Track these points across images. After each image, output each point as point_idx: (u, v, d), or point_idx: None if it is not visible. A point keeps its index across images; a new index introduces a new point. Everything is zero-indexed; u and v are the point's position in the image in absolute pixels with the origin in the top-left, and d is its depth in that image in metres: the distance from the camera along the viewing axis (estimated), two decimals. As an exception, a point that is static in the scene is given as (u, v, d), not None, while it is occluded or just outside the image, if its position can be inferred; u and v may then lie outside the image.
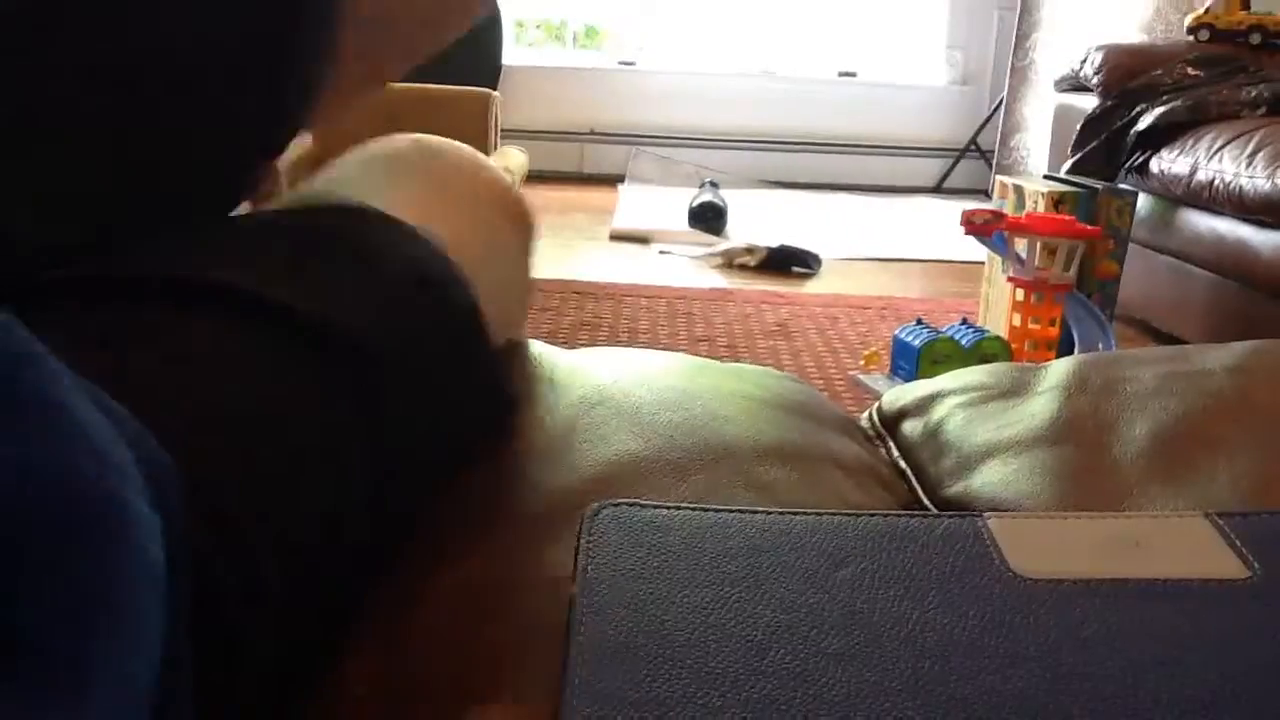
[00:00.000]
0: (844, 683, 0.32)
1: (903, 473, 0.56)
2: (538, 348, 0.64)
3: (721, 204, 3.61)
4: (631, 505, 0.42)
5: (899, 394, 0.64)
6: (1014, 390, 0.60)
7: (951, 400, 0.60)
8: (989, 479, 0.51)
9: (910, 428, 0.60)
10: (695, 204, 3.60)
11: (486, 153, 2.38)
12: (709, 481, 0.46)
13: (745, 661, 0.33)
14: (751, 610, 0.35)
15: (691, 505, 0.41)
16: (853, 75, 4.85)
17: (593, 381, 0.57)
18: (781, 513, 0.41)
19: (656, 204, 3.90)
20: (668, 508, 0.42)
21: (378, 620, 0.40)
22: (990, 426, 0.56)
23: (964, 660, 0.33)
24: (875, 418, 0.64)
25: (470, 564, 0.42)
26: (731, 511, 0.41)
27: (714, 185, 3.85)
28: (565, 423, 0.52)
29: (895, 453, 0.59)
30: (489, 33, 2.89)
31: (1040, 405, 0.57)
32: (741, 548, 0.38)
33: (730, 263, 3.13)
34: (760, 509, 0.41)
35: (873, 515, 0.41)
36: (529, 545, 0.43)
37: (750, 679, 0.32)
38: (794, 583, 0.36)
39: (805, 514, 0.41)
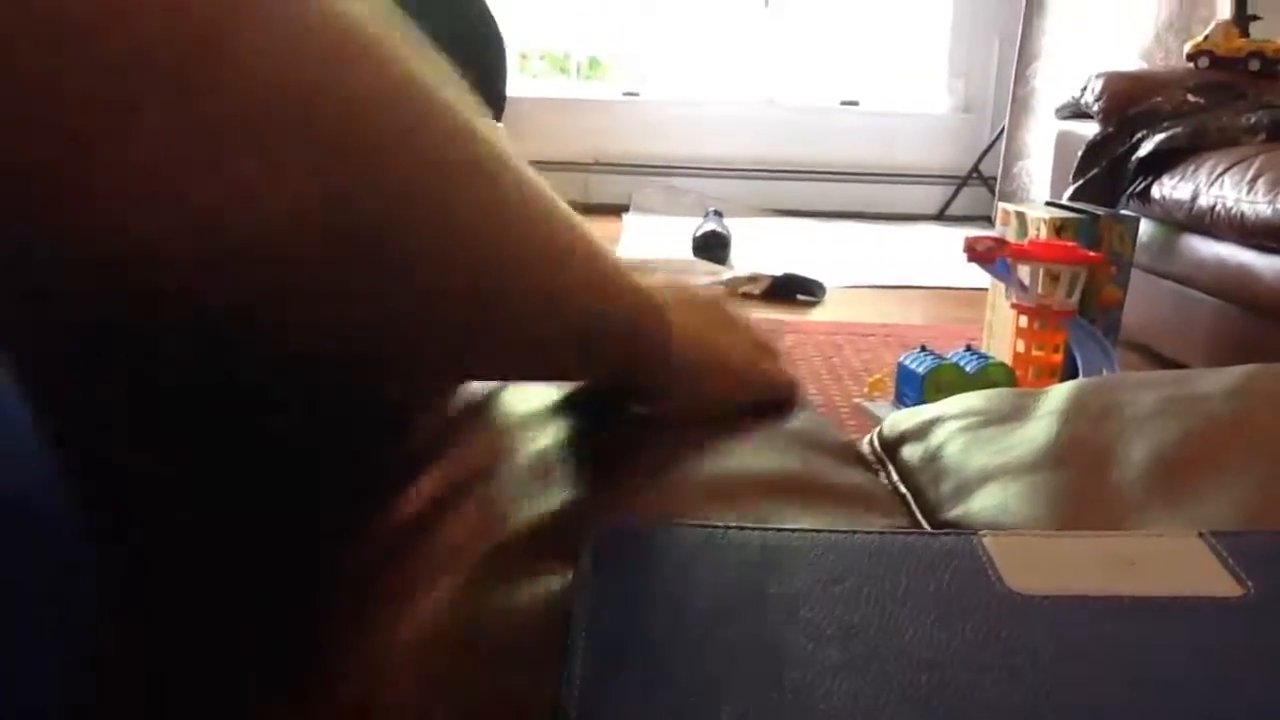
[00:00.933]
0: (841, 695, 0.32)
1: (902, 497, 0.56)
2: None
3: (725, 233, 3.62)
4: (629, 522, 0.42)
5: (900, 419, 0.65)
6: (1013, 415, 0.61)
7: (951, 425, 0.61)
8: (987, 503, 0.51)
9: (910, 452, 0.60)
10: (699, 233, 3.62)
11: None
12: (706, 518, 0.46)
13: (742, 675, 0.33)
14: (749, 625, 0.36)
15: (689, 522, 0.42)
16: (855, 104, 4.88)
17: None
18: (779, 530, 0.42)
19: (661, 233, 3.91)
20: (665, 525, 0.42)
21: (360, 644, 0.40)
22: (989, 451, 0.57)
23: (960, 674, 0.33)
24: (876, 442, 0.64)
25: (460, 586, 0.42)
26: (729, 528, 0.41)
27: (718, 214, 3.86)
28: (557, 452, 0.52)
29: (895, 477, 0.59)
30: (493, 64, 2.90)
31: (1039, 429, 0.58)
32: (739, 563, 0.39)
33: (735, 291, 3.14)
34: (758, 526, 0.42)
35: (869, 533, 0.42)
36: (523, 568, 0.43)
37: (747, 692, 0.32)
38: (791, 598, 0.37)
39: (803, 531, 0.42)
